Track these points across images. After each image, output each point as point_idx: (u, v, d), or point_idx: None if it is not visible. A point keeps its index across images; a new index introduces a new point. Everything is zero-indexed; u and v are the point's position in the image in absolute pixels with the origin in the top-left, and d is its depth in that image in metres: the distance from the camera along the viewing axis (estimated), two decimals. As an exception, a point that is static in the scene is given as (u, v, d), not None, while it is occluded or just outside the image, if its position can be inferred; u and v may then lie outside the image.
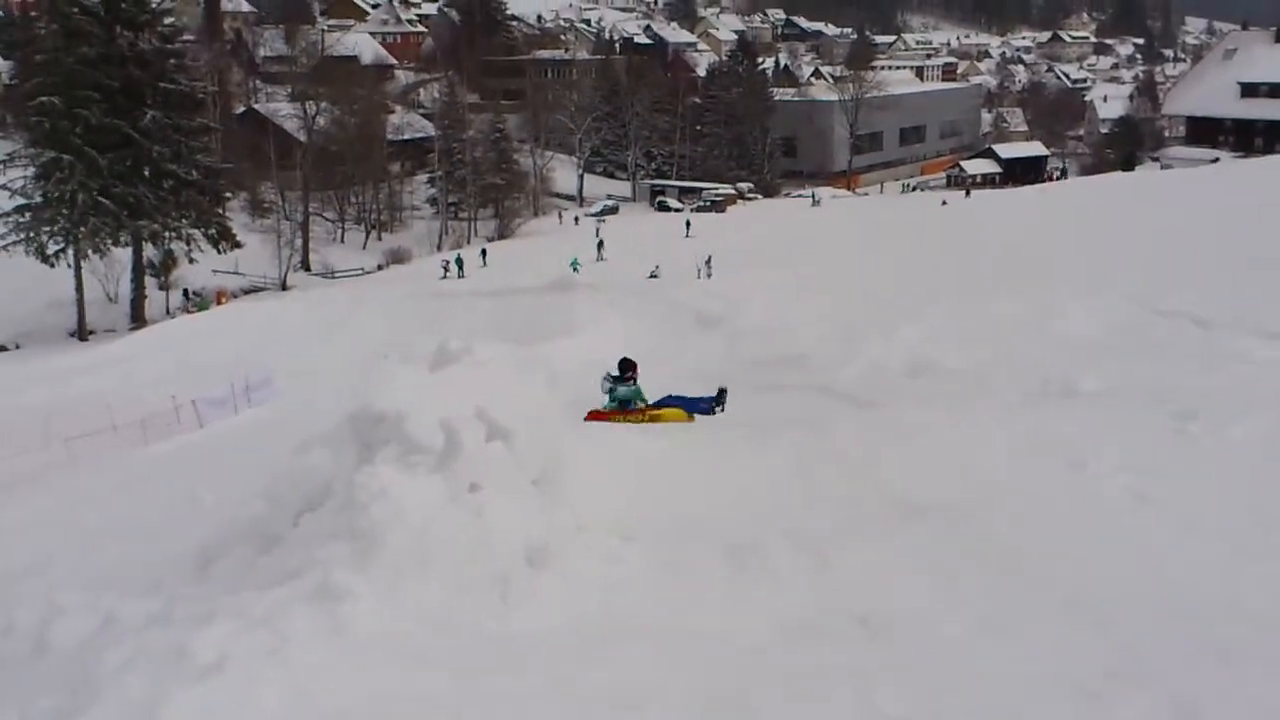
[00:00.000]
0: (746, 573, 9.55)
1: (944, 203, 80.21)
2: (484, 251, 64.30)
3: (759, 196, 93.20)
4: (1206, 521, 10.00)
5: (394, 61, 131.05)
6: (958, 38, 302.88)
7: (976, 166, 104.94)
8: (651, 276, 45.98)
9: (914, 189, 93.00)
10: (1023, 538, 9.97)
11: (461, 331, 21.87)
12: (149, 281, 54.34)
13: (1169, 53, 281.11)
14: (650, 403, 16.19)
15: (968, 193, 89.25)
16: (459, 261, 59.67)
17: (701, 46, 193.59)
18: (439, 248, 74.15)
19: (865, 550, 9.94)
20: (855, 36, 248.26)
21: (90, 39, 48.81)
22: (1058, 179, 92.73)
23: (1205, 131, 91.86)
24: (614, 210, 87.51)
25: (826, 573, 9.50)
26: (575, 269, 51.17)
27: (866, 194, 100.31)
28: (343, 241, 75.52)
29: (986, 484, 11.61)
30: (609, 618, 8.73)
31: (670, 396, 16.52)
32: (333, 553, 8.62)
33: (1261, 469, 11.42)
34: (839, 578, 9.38)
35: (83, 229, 48.91)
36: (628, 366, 16.36)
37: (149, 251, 53.77)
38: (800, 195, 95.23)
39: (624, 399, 16.18)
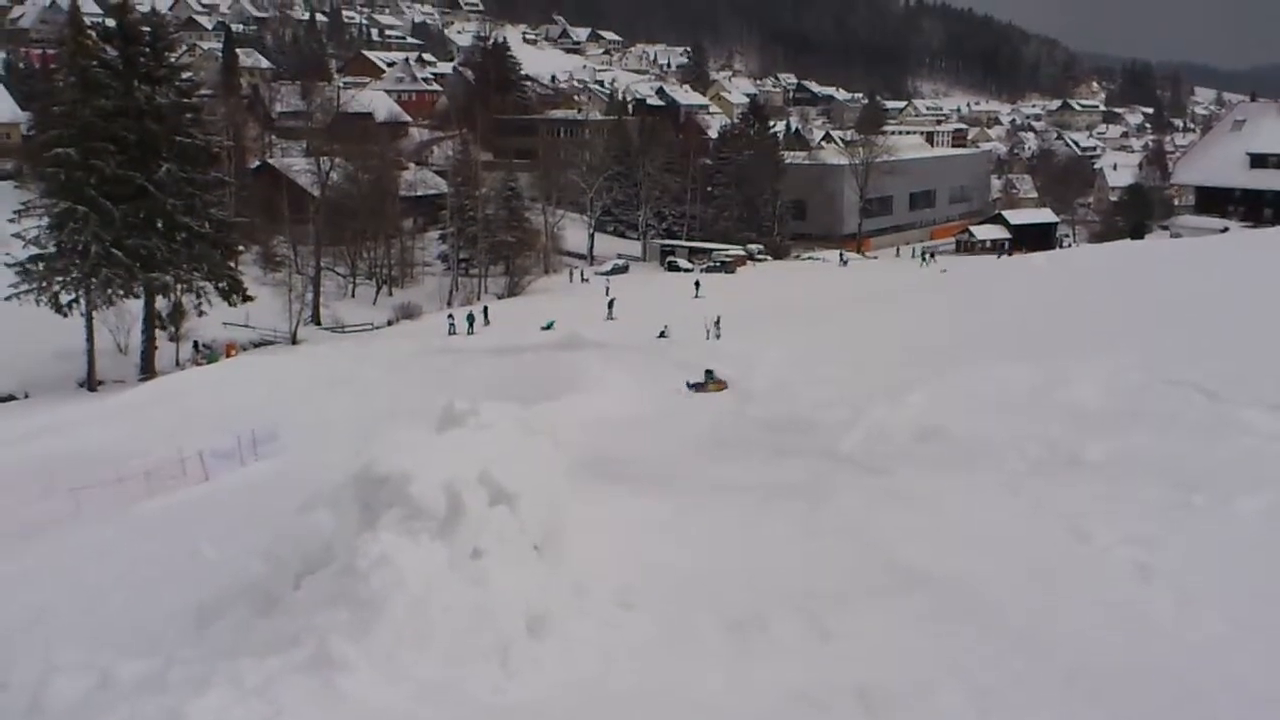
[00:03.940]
0: (747, 642, 9.49)
1: (926, 259, 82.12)
2: (485, 309, 64.28)
3: (769, 258, 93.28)
4: (1209, 596, 9.94)
5: (408, 119, 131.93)
6: (968, 104, 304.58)
7: (986, 232, 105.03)
8: (660, 336, 45.98)
9: (925, 254, 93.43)
10: (1025, 610, 9.92)
11: (468, 389, 21.85)
12: (159, 333, 54.45)
13: (1178, 122, 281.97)
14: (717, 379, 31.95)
15: (933, 255, 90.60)
16: (469, 319, 59.77)
17: (713, 109, 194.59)
18: (449, 304, 74.22)
19: (866, 620, 9.88)
20: (866, 101, 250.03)
21: (108, 92, 49.18)
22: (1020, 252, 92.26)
23: (1214, 201, 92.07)
24: (624, 269, 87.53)
25: (827, 643, 9.45)
26: (550, 327, 51.66)
27: (876, 257, 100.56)
28: (353, 296, 75.64)
29: (990, 554, 11.56)
30: (608, 687, 8.66)
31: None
32: (331, 620, 8.55)
33: (1265, 544, 11.37)
34: (840, 648, 9.33)
35: (95, 280, 49.09)
36: (712, 374, 32.28)
37: (160, 303, 53.95)
38: (811, 256, 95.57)
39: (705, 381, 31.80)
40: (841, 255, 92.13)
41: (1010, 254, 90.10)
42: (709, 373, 32.53)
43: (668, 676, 8.86)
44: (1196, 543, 11.47)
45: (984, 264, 77.62)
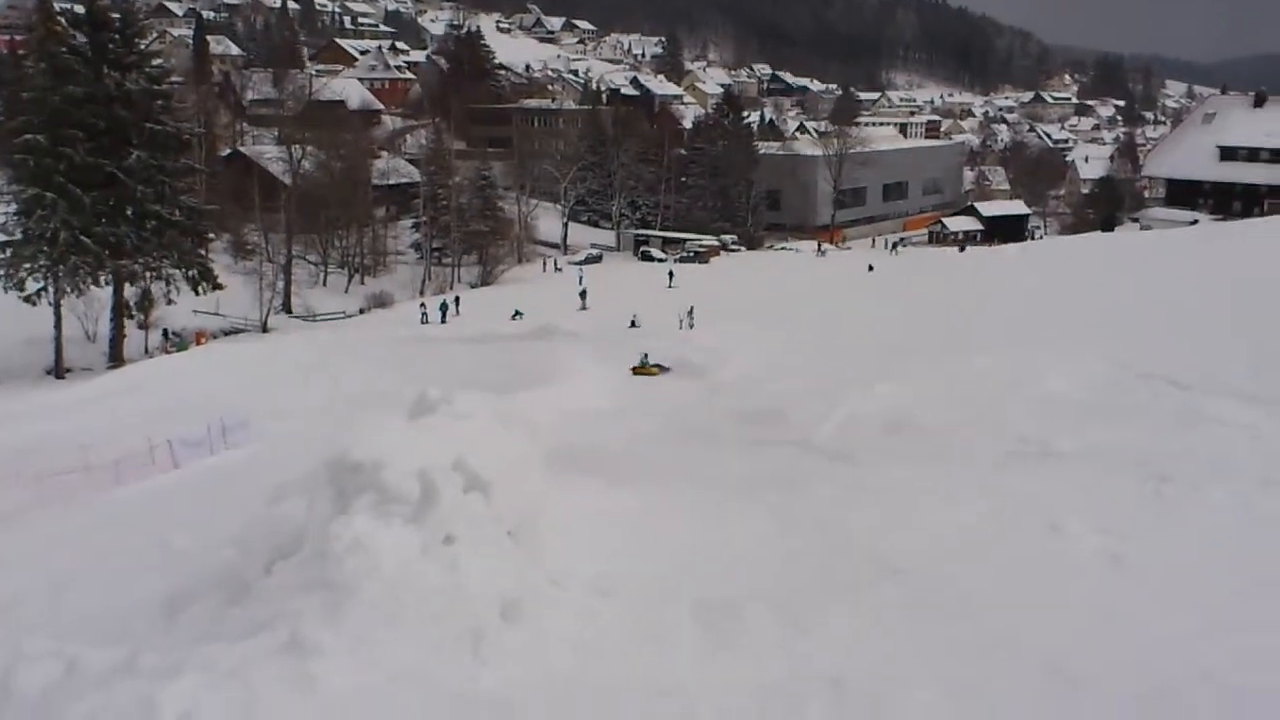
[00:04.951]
0: (721, 633, 9.46)
1: (896, 250, 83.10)
2: (458, 299, 63.74)
3: (742, 248, 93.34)
4: (1182, 588, 9.98)
5: (381, 107, 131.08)
6: (941, 96, 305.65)
7: (958, 224, 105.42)
8: (632, 326, 45.91)
9: (897, 245, 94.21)
10: (998, 601, 9.93)
11: (440, 378, 21.72)
12: (128, 321, 53.96)
13: (1149, 115, 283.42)
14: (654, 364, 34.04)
15: (895, 249, 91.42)
16: (442, 308, 59.41)
17: (688, 99, 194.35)
18: (421, 293, 73.93)
19: (839, 612, 9.87)
20: (840, 93, 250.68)
21: (77, 78, 48.61)
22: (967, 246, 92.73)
23: (1184, 193, 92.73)
24: (597, 259, 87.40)
25: (800, 634, 9.43)
26: (518, 316, 51.58)
27: (850, 248, 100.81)
28: (325, 285, 75.10)
29: (962, 545, 11.58)
30: (581, 678, 8.61)
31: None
32: (304, 604, 8.49)
33: (1237, 534, 11.43)
34: (813, 640, 9.31)
35: (63, 267, 48.58)
36: (647, 357, 34.46)
37: (129, 291, 53.46)
38: (785, 247, 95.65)
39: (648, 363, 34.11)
40: (820, 246, 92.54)
41: (985, 245, 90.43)
42: (645, 356, 35.07)
43: (641, 667, 8.82)
44: (1168, 533, 11.53)
45: (940, 259, 77.92)
